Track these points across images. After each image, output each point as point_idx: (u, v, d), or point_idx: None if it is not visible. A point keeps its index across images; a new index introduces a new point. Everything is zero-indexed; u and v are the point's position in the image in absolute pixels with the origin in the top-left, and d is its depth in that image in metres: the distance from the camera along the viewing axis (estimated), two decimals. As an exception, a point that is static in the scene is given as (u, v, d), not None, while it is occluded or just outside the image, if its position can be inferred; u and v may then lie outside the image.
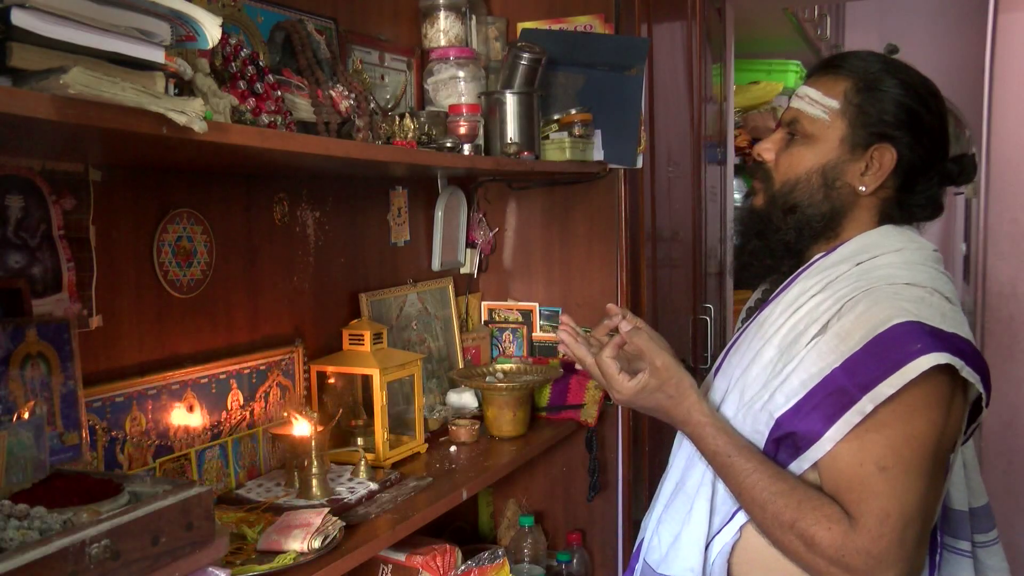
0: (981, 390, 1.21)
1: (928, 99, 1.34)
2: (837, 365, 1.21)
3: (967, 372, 1.17)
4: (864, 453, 1.18)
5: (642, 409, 1.36)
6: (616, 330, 1.33)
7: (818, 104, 1.35)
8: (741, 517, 1.30)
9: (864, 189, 1.33)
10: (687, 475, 1.39)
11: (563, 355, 1.41)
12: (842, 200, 1.34)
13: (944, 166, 1.36)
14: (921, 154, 1.33)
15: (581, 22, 2.35)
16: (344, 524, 1.43)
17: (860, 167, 1.33)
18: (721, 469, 1.28)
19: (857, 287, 1.27)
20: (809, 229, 1.36)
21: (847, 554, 1.16)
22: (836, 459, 1.20)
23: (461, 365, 2.32)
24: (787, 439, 1.25)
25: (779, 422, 1.25)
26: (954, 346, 1.17)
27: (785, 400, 1.24)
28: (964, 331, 1.22)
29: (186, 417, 1.54)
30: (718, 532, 1.32)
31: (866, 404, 1.17)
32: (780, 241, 1.38)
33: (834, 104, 1.34)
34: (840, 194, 1.34)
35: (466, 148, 1.95)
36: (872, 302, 1.23)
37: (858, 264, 1.31)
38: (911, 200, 1.35)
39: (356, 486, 1.63)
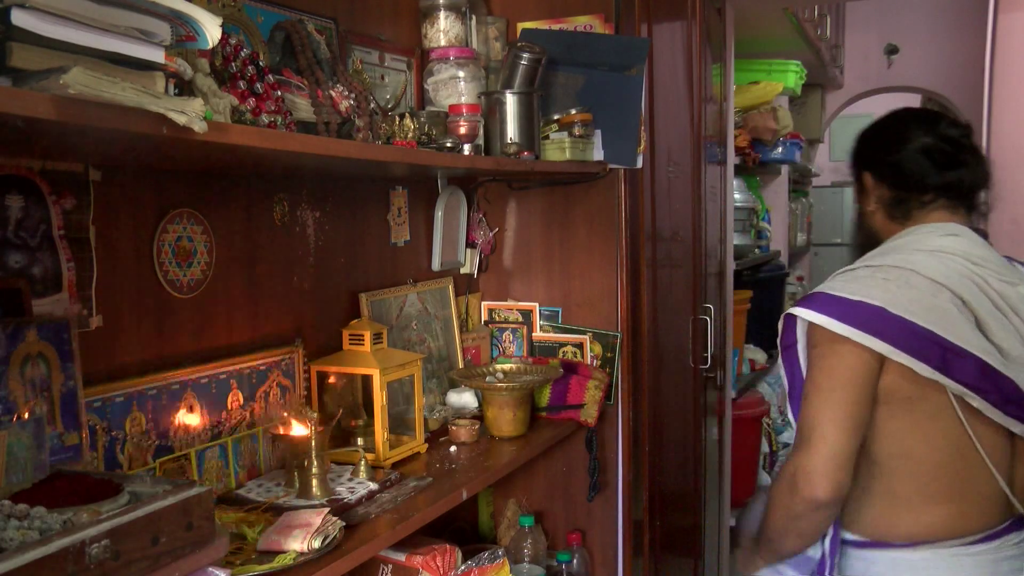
0: (837, 329, 1.56)
1: (873, 127, 1.85)
2: None
3: (811, 315, 1.60)
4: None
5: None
6: None
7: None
8: None
9: (867, 207, 1.82)
10: None
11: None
12: (866, 222, 1.85)
13: (910, 148, 1.74)
14: (878, 158, 1.79)
15: (581, 22, 2.35)
16: (344, 524, 1.43)
17: (864, 197, 1.83)
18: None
19: None
20: (869, 246, 1.82)
21: (787, 467, 1.61)
22: None
23: (461, 365, 2.32)
24: None
25: None
26: (832, 307, 1.59)
27: None
28: (875, 295, 1.57)
29: (186, 417, 1.54)
30: None
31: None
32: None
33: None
34: (865, 219, 1.85)
35: (466, 148, 1.95)
36: None
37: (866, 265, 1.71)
38: (903, 185, 1.76)
39: (356, 486, 1.63)
